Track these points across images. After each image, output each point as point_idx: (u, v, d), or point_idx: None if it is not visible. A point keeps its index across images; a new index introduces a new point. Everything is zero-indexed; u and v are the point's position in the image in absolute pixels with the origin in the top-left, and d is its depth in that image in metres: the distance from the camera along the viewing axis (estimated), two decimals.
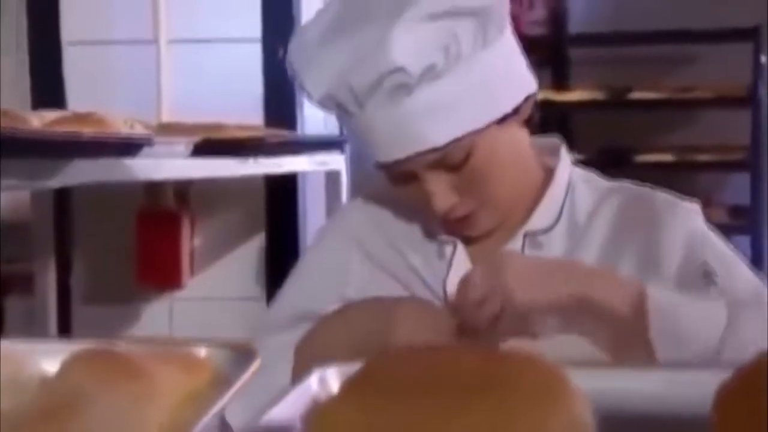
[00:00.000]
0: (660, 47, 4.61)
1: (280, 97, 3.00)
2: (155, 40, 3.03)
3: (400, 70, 1.18)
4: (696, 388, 0.64)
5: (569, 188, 1.35)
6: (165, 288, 3.04)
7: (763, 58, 4.42)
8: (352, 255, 1.38)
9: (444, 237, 1.35)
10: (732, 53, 4.42)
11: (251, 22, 3.02)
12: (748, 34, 4.38)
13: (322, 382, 0.68)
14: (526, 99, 1.29)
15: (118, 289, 3.05)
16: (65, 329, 3.02)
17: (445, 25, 1.19)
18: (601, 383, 0.63)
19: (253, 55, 3.02)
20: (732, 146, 4.44)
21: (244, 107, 2.93)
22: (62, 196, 3.01)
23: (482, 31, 1.21)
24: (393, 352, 0.63)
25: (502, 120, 1.26)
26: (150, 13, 3.03)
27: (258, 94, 3.01)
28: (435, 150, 1.22)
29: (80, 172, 1.70)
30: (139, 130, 1.79)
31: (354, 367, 0.68)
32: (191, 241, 3.04)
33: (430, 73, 1.19)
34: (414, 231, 1.38)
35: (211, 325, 2.95)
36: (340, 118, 1.31)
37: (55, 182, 1.73)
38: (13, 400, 0.69)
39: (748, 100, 4.38)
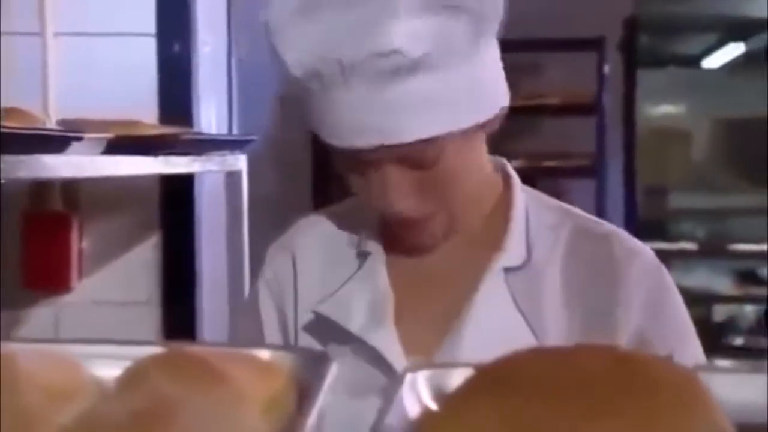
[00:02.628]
0: (507, 56, 4.70)
1: (175, 95, 2.90)
2: (41, 33, 2.90)
3: (397, 52, 1.12)
4: None
5: (527, 215, 1.30)
6: (52, 291, 2.91)
7: (606, 68, 4.56)
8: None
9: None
10: (577, 63, 4.55)
11: (145, 16, 2.92)
12: (593, 45, 4.54)
13: (412, 386, 0.64)
14: (495, 114, 1.25)
15: (2, 293, 2.90)
16: None
17: (441, 18, 1.15)
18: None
19: (147, 51, 2.92)
20: (577, 153, 4.55)
21: (137, 104, 2.82)
22: None
23: (476, 34, 1.17)
24: (510, 356, 0.60)
25: (479, 127, 1.22)
26: (36, 4, 2.90)
27: (152, 90, 2.91)
28: (409, 144, 1.16)
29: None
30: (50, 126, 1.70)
31: (445, 371, 0.65)
32: (80, 242, 2.91)
33: (425, 62, 1.14)
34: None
35: (100, 330, 2.83)
36: (305, 94, 1.21)
37: None
38: (71, 409, 0.63)
39: (593, 108, 4.52)
